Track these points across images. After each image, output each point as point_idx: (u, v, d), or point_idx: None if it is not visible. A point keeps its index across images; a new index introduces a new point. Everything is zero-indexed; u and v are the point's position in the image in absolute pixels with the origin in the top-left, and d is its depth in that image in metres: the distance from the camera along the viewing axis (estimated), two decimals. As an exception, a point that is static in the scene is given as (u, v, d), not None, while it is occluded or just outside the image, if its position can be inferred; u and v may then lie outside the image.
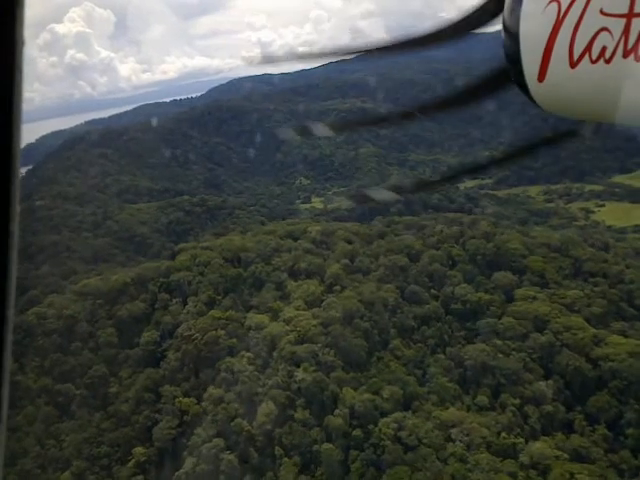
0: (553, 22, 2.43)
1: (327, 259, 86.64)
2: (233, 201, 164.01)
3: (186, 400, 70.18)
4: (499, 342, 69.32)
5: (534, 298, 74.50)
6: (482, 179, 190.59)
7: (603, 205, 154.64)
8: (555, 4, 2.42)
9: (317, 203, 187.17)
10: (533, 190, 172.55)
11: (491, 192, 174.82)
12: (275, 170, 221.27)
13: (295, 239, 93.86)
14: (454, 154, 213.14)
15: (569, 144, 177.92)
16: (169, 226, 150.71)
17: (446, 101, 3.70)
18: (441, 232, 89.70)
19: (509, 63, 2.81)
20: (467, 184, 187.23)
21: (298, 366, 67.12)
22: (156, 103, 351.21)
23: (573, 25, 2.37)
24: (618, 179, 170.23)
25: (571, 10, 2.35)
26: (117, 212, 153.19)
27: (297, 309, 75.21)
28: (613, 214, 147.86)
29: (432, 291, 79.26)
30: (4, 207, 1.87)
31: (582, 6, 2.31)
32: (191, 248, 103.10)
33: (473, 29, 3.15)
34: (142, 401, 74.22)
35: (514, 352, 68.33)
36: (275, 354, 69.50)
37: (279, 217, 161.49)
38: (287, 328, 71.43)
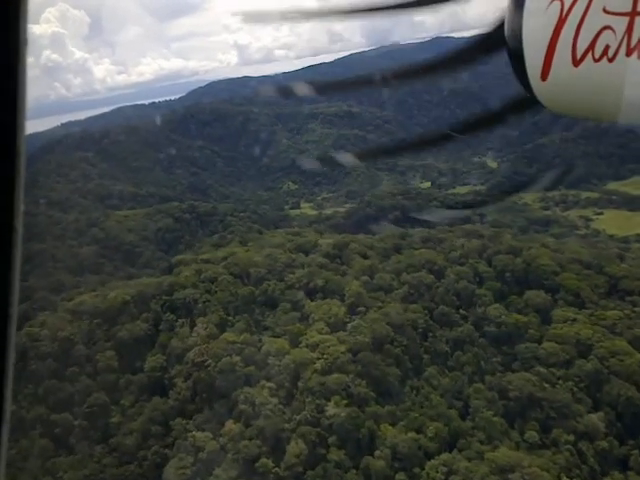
0: (556, 20, 2.38)
1: (344, 275, 79.76)
2: (224, 207, 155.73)
3: (200, 435, 62.65)
4: (542, 370, 63.06)
5: (574, 320, 68.48)
6: (474, 185, 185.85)
7: (601, 213, 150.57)
8: (558, 2, 2.37)
9: (307, 209, 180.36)
10: (529, 197, 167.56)
11: (479, 198, 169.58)
12: (261, 175, 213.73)
13: (306, 253, 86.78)
14: (443, 160, 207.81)
15: (563, 151, 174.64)
16: (158, 234, 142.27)
17: (478, 120, 3.46)
18: (462, 246, 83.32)
19: (512, 61, 2.73)
20: (459, 190, 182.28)
21: (328, 399, 60.01)
22: (134, 105, 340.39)
23: (576, 23, 2.33)
24: (613, 186, 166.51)
25: (574, 8, 2.31)
26: (102, 219, 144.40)
27: (320, 333, 68.11)
28: (613, 222, 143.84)
29: (461, 311, 72.90)
30: (8, 204, 1.89)
31: (585, 4, 2.28)
32: (191, 261, 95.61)
33: None
34: (149, 434, 66.51)
35: (560, 381, 62.16)
36: (300, 385, 62.28)
37: (271, 224, 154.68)
38: (312, 355, 64.25)
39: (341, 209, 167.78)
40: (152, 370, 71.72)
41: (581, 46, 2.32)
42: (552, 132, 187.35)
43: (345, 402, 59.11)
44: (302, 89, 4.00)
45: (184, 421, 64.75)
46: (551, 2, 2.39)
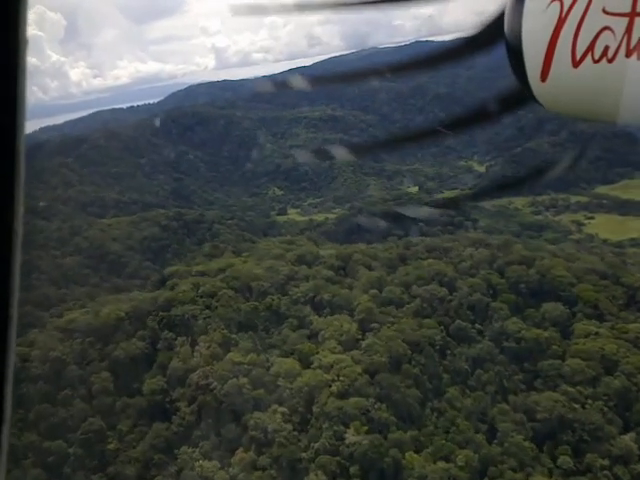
0: (555, 21, 2.38)
1: (351, 288, 75.59)
2: (211, 215, 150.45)
3: (208, 464, 58.00)
4: (570, 389, 59.41)
5: (596, 334, 65.08)
6: (462, 189, 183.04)
7: (592, 217, 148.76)
8: (557, 3, 2.37)
9: (294, 215, 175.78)
10: (518, 202, 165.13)
11: (472, 203, 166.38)
12: (245, 180, 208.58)
13: (309, 265, 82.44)
14: (430, 164, 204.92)
15: (552, 155, 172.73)
16: (144, 243, 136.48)
17: (471, 117, 3.36)
18: (472, 257, 79.65)
19: (512, 62, 2.73)
20: (448, 194, 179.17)
21: (347, 425, 55.66)
22: (112, 109, 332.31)
23: (575, 24, 2.33)
24: (602, 190, 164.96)
25: (573, 9, 2.31)
26: (85, 227, 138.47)
27: (332, 352, 63.79)
28: (605, 227, 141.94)
29: (477, 326, 69.14)
30: (8, 206, 1.91)
31: (584, 5, 2.28)
32: (185, 273, 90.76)
33: None
34: (151, 463, 61.71)
35: (589, 400, 58.57)
36: (316, 409, 57.84)
37: (260, 231, 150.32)
38: (327, 377, 59.87)
39: (331, 215, 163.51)
40: (152, 393, 66.82)
41: (581, 47, 2.29)
42: (538, 136, 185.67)
43: (366, 428, 54.81)
44: (300, 82, 3.74)
45: (190, 449, 60.02)
46: (550, 3, 2.35)
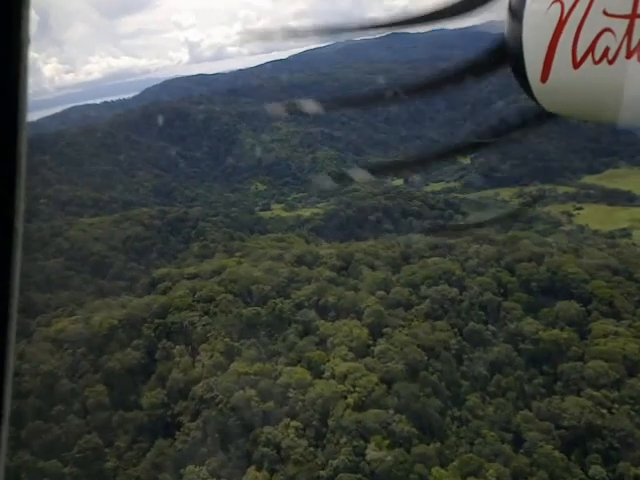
0: (556, 22, 2.37)
1: (357, 290, 71.70)
2: (195, 212, 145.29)
3: (218, 484, 53.86)
4: (595, 393, 56.23)
5: (615, 334, 62.05)
6: (447, 182, 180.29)
7: (581, 208, 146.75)
8: (558, 4, 2.35)
9: (279, 210, 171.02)
10: (505, 193, 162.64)
11: (461, 196, 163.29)
12: (227, 175, 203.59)
13: (309, 265, 78.34)
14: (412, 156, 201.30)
15: (537, 145, 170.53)
16: (127, 242, 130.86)
17: (432, 82, 3.38)
18: (478, 254, 76.23)
19: (512, 63, 2.72)
20: (433, 187, 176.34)
21: (367, 439, 51.78)
22: (85, 105, 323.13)
23: (576, 25, 2.32)
24: (589, 180, 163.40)
25: (574, 10, 2.30)
26: (66, 227, 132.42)
27: (344, 359, 59.88)
28: (594, 217, 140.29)
29: (490, 327, 65.75)
30: (9, 204, 1.92)
31: (585, 6, 2.27)
32: (177, 275, 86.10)
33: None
34: (156, 484, 57.38)
35: (615, 404, 55.47)
36: (332, 423, 53.84)
37: (246, 228, 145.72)
38: (342, 387, 55.91)
39: (317, 210, 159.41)
40: (152, 407, 62.37)
41: (581, 48, 2.29)
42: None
43: (387, 442, 50.99)
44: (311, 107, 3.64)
45: (196, 468, 55.62)
46: (551, 4, 2.35)
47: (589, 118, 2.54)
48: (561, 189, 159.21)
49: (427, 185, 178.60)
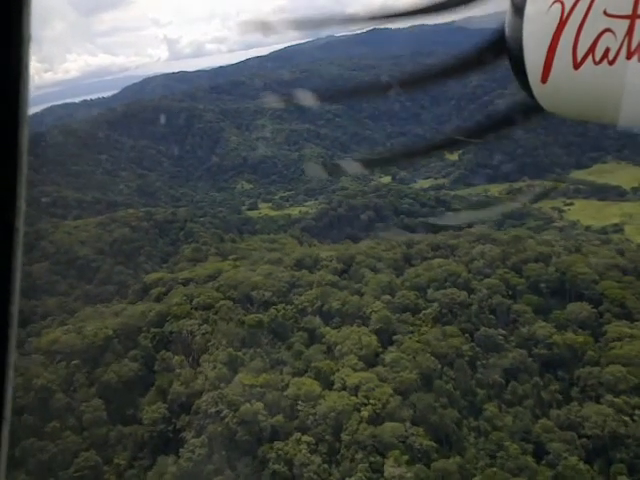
0: (557, 23, 2.35)
1: (361, 294, 68.99)
2: (182, 213, 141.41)
3: (226, 504, 50.91)
4: (616, 399, 54.04)
5: (631, 337, 59.97)
6: (435, 178, 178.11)
7: (572, 204, 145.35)
8: (559, 5, 2.33)
9: (267, 209, 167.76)
10: (494, 189, 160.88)
11: (452, 192, 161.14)
12: (212, 174, 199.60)
13: (309, 269, 75.48)
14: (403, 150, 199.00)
15: (524, 141, 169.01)
16: (114, 245, 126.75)
17: (427, 75, 3.28)
18: (482, 254, 73.90)
19: (512, 63, 2.69)
20: (422, 184, 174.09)
21: (384, 455, 49.10)
22: (64, 104, 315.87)
23: (577, 26, 2.30)
24: (578, 175, 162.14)
25: (575, 11, 2.28)
26: (51, 230, 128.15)
27: (354, 369, 57.12)
28: (585, 213, 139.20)
29: (501, 331, 63.38)
30: (10, 204, 1.93)
31: (586, 7, 2.25)
32: (170, 280, 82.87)
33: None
34: (161, 504, 54.22)
35: (637, 411, 53.32)
36: (346, 437, 51.05)
37: (234, 228, 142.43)
38: (355, 400, 53.13)
39: (305, 209, 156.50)
40: (153, 422, 59.11)
41: (581, 49, 2.27)
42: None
43: (406, 457, 48.33)
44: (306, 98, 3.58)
45: (203, 487, 52.64)
46: (552, 4, 2.33)
47: (589, 119, 2.44)
48: (550, 184, 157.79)
49: (415, 182, 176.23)
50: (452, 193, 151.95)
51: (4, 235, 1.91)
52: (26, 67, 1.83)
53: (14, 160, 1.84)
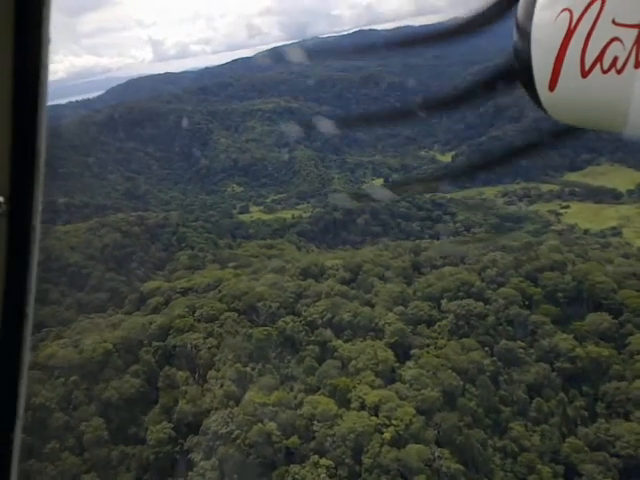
0: (565, 31, 2.32)
1: (372, 305, 65.98)
2: (174, 217, 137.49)
3: (240, 533, 47.63)
4: (646, 416, 51.58)
5: (656, 349, 57.56)
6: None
7: (568, 206, 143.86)
8: (567, 13, 2.31)
9: (259, 213, 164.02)
10: (489, 192, 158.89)
11: (447, 195, 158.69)
12: (201, 177, 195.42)
13: (315, 278, 72.31)
14: (391, 154, 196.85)
15: (518, 143, 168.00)
16: (105, 251, 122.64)
17: (449, 99, 3.37)
18: (494, 262, 71.21)
19: (520, 71, 2.63)
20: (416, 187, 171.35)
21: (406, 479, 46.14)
22: (50, 106, 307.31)
23: (585, 34, 2.28)
24: (572, 177, 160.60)
25: (583, 19, 2.26)
26: (41, 236, 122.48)
27: (372, 386, 54.04)
28: (582, 216, 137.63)
29: (520, 343, 60.65)
30: (27, 203, 1.96)
31: (594, 16, 2.23)
32: (168, 290, 79.31)
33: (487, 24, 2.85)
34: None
35: (669, 429, 50.85)
36: (367, 461, 47.96)
37: (227, 232, 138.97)
38: (376, 420, 50.00)
39: (297, 212, 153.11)
40: (158, 443, 55.62)
41: (589, 57, 2.24)
42: (499, 124, 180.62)
43: (433, 483, 45.44)
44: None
45: (216, 514, 49.33)
46: (560, 13, 2.30)
47: (597, 127, 2.37)
48: (545, 187, 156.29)
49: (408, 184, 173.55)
50: (448, 196, 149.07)
51: (22, 234, 1.97)
52: (46, 68, 1.80)
53: (33, 160, 1.84)
